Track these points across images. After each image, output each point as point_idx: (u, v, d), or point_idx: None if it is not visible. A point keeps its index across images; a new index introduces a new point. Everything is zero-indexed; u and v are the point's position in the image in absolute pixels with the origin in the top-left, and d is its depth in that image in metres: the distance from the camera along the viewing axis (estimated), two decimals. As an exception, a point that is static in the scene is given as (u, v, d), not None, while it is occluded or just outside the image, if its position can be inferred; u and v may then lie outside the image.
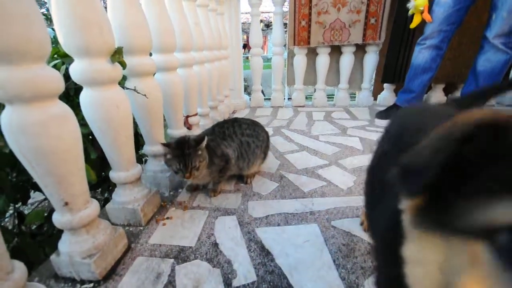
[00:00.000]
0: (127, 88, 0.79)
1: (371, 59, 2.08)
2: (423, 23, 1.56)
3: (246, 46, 5.41)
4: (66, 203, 0.56)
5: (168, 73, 1.00)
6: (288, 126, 1.76)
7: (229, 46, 2.04)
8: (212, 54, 1.57)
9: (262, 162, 1.04)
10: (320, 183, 1.01)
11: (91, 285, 0.61)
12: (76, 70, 0.61)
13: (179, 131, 1.14)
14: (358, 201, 0.89)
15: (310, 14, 1.96)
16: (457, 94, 2.07)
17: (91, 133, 0.70)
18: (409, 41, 1.88)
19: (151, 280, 0.62)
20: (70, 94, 0.85)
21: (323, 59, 2.11)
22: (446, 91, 2.15)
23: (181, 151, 0.81)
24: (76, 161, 0.55)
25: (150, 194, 0.85)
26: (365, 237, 0.72)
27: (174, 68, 1.03)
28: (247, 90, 3.32)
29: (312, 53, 2.15)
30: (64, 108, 0.51)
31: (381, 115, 1.83)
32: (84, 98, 0.64)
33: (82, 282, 0.62)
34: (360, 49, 2.09)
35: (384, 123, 1.71)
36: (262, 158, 1.02)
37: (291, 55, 2.23)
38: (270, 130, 1.63)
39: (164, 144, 0.83)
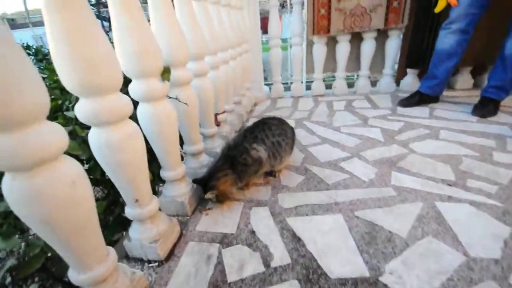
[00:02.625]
0: (170, 97, 0.90)
1: (394, 43, 2.04)
2: (448, 6, 1.52)
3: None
4: (137, 200, 0.70)
5: (200, 79, 1.09)
6: (309, 117, 1.82)
7: (249, 38, 2.09)
8: (236, 52, 1.64)
9: (289, 156, 1.13)
10: (343, 176, 1.09)
11: (156, 264, 0.76)
12: (134, 90, 0.72)
13: (211, 130, 1.26)
14: (379, 192, 0.97)
15: (329, 1, 1.94)
16: (487, 76, 1.99)
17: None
18: (434, 24, 1.82)
19: (203, 260, 0.76)
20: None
21: (343, 47, 2.10)
22: (474, 74, 2.08)
23: (203, 189, 0.95)
24: (144, 168, 0.68)
25: (193, 189, 0.98)
26: (386, 225, 0.81)
27: (205, 74, 1.12)
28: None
29: (331, 41, 2.14)
30: (135, 127, 0.63)
31: (403, 103, 1.83)
32: (141, 111, 0.76)
33: (149, 262, 0.77)
34: (382, 34, 2.05)
35: (405, 111, 1.73)
36: (290, 153, 1.12)
37: (310, 44, 2.24)
38: (292, 123, 1.71)
39: (193, 181, 0.98)
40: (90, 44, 0.49)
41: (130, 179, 0.65)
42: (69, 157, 0.48)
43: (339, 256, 0.73)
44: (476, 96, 1.78)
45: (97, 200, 1.20)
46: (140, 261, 0.78)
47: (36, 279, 1.00)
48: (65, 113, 0.80)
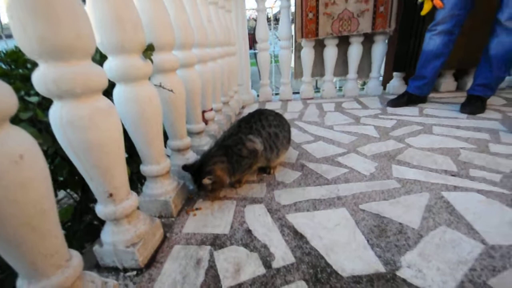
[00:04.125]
0: (154, 85, 0.81)
1: (380, 48, 2.07)
2: (433, 9, 1.56)
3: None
4: (111, 195, 0.58)
5: (187, 70, 1.02)
6: (300, 118, 1.77)
7: (236, 42, 2.06)
8: (223, 50, 1.58)
9: (286, 151, 1.05)
10: (342, 170, 1.02)
11: (134, 272, 0.64)
12: (111, 67, 0.63)
13: (199, 126, 1.16)
14: (383, 185, 0.90)
15: (317, 6, 1.96)
16: (469, 79, 2.05)
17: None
18: (419, 28, 1.87)
19: (191, 265, 0.64)
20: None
21: (331, 51, 2.11)
22: (456, 77, 2.14)
23: (194, 177, 0.85)
24: (118, 154, 0.57)
25: (179, 187, 0.87)
26: (395, 217, 0.74)
27: (193, 64, 1.05)
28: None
29: (319, 45, 2.15)
30: (108, 103, 0.53)
31: (393, 103, 1.83)
32: (118, 94, 0.66)
33: (125, 270, 0.64)
34: (368, 39, 2.08)
35: (395, 111, 1.72)
36: (286, 148, 1.04)
37: (298, 48, 2.24)
38: (283, 123, 1.64)
39: (183, 168, 0.88)
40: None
41: (101, 167, 0.54)
42: (16, 126, 0.37)
43: (348, 252, 0.64)
44: (461, 96, 1.82)
45: (61, 205, 1.05)
46: (114, 270, 0.65)
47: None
48: (25, 97, 0.68)
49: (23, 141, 0.37)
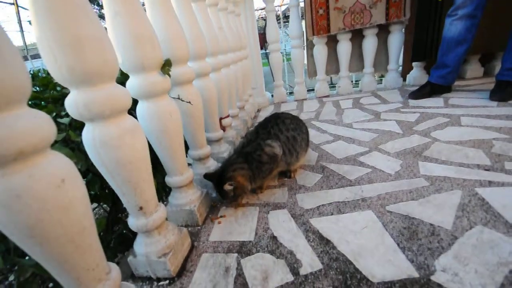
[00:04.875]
0: (172, 97, 0.84)
1: (396, 38, 1.99)
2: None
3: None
4: (141, 208, 0.61)
5: (202, 79, 1.04)
6: (317, 117, 1.75)
7: (247, 45, 2.07)
8: (235, 56, 1.60)
9: (305, 153, 1.05)
10: (365, 170, 1.00)
11: (167, 282, 0.66)
12: (133, 86, 0.66)
13: (217, 134, 1.18)
14: (410, 184, 0.87)
15: (327, 1, 1.93)
16: (497, 63, 1.92)
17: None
18: (437, 14, 1.78)
19: (220, 273, 0.66)
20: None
21: (344, 46, 2.06)
22: (483, 62, 2.01)
23: (215, 185, 0.87)
24: (146, 169, 0.60)
25: (203, 195, 0.90)
26: (426, 218, 0.71)
27: (207, 74, 1.07)
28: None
29: (332, 41, 2.11)
30: (133, 121, 0.56)
31: (415, 95, 1.75)
32: (141, 110, 0.69)
33: (158, 280, 0.67)
34: (383, 30, 2.01)
35: (418, 103, 1.65)
36: (306, 150, 1.03)
37: (310, 46, 2.21)
38: (300, 124, 1.63)
39: (205, 176, 0.89)
40: (77, 22, 0.43)
41: (132, 182, 0.57)
42: (56, 152, 0.40)
43: (377, 256, 0.62)
44: (489, 83, 1.71)
45: (96, 218, 1.11)
46: (148, 279, 0.68)
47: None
48: (58, 119, 0.74)
49: (64, 165, 0.40)
